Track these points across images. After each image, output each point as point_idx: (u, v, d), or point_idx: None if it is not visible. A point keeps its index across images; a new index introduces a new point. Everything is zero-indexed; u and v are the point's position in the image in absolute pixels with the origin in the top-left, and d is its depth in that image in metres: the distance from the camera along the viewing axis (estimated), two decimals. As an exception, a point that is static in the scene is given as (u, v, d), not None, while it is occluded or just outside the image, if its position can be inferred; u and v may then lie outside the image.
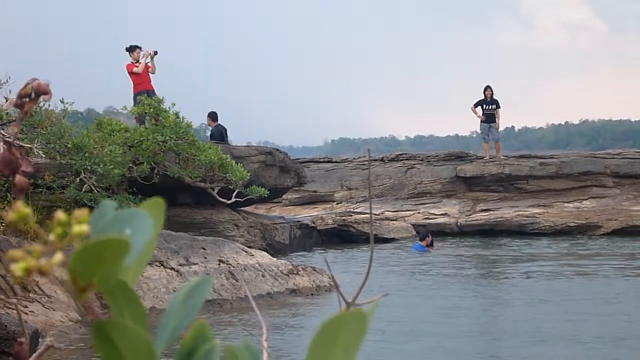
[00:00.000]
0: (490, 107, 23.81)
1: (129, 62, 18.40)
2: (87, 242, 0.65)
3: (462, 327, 9.69)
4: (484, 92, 23.95)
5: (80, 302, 0.68)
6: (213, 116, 20.38)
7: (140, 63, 18.20)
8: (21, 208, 0.67)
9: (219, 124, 20.33)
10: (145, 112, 15.86)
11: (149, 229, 0.70)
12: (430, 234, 18.78)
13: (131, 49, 18.48)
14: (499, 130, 24.75)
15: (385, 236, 20.17)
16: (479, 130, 24.63)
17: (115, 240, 0.65)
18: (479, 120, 23.92)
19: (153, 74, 18.46)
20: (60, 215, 0.67)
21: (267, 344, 1.53)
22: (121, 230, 0.70)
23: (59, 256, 0.65)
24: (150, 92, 17.57)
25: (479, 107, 23.97)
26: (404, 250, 18.18)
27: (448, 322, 10.10)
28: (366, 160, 25.97)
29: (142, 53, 18.40)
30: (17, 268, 0.65)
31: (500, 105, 24.01)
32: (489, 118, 23.77)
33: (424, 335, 9.40)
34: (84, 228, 0.66)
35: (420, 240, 18.50)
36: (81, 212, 0.67)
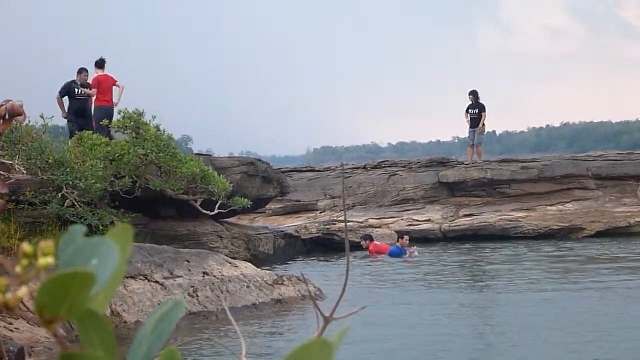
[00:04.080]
0: (474, 112, 23.84)
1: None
2: (52, 275, 0.66)
3: (441, 344, 9.61)
4: (469, 97, 24.05)
5: (50, 333, 0.69)
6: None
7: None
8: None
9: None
10: (126, 126, 15.78)
11: (115, 258, 0.70)
12: (404, 235, 19.07)
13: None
14: (484, 134, 24.78)
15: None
16: (460, 136, 24.76)
17: (81, 273, 0.65)
18: (468, 126, 24.02)
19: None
20: (25, 247, 0.67)
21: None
22: (87, 261, 0.70)
23: (24, 289, 0.66)
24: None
25: (467, 113, 23.99)
26: (386, 257, 18.21)
27: (428, 337, 10.10)
28: (349, 168, 25.99)
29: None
30: (-17, 302, 0.65)
31: (485, 109, 23.98)
32: (473, 122, 23.82)
33: (402, 350, 9.36)
34: (49, 260, 0.67)
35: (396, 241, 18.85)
36: (46, 244, 0.67)
